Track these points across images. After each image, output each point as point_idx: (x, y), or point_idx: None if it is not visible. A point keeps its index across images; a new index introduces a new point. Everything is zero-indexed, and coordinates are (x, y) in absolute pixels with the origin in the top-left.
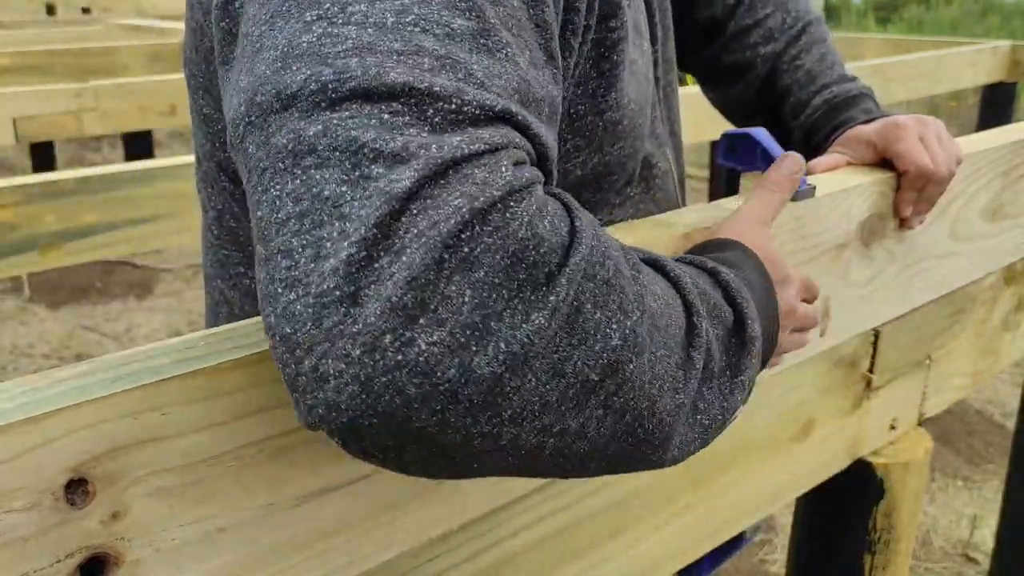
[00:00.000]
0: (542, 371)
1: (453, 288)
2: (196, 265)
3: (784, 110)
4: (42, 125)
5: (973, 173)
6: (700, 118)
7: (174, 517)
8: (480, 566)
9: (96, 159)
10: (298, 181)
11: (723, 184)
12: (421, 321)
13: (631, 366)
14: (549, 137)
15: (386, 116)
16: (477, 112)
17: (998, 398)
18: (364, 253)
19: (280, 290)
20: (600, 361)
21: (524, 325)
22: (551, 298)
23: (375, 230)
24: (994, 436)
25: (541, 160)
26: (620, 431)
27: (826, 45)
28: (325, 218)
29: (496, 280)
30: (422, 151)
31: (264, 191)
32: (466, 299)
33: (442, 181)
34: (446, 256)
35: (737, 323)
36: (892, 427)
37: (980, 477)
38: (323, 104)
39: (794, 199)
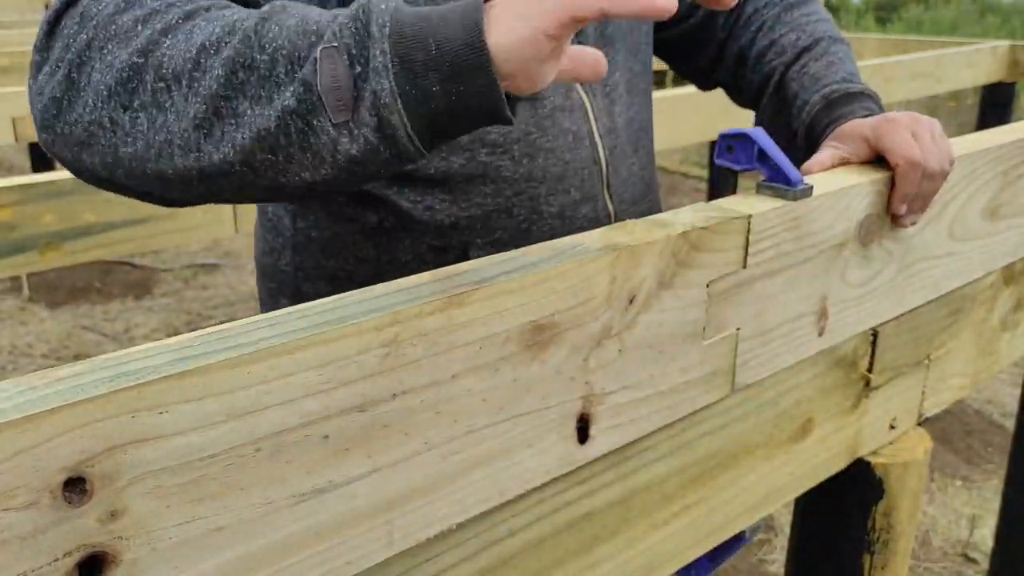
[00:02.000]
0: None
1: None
2: (195, 265)
3: (791, 114)
4: None
5: (971, 173)
6: (700, 119)
7: (172, 516)
8: (479, 566)
9: None
10: None
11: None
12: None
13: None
14: None
15: None
16: None
17: (997, 398)
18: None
19: None
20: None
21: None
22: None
23: None
24: (993, 436)
25: None
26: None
27: (837, 56)
28: None
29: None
30: None
31: None
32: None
33: None
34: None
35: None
36: (891, 427)
37: (979, 477)
38: None
39: (792, 199)
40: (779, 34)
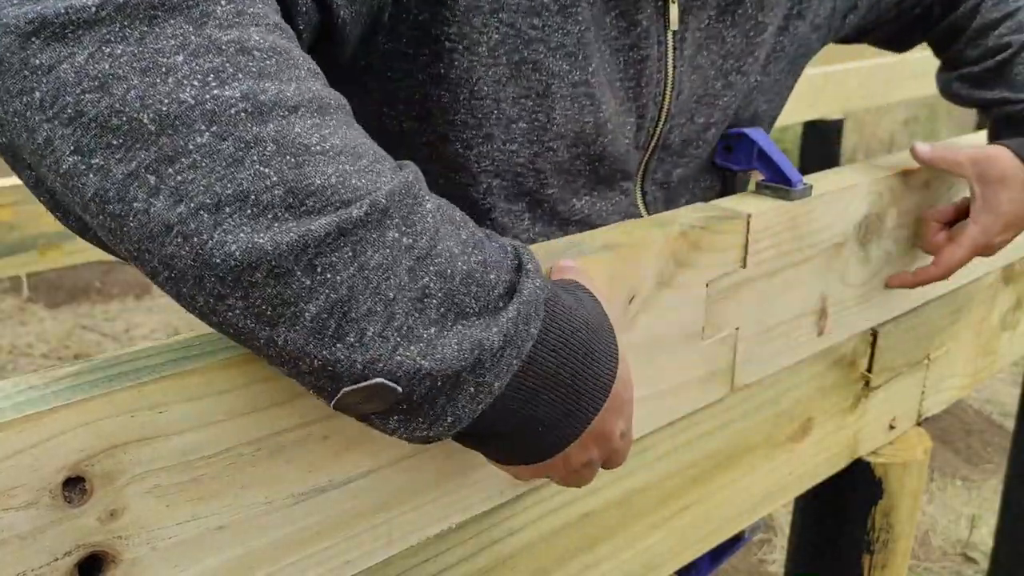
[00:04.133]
0: (81, 68)
1: None
2: None
3: (1000, 101)
4: None
5: None
6: None
7: (171, 515)
8: (478, 565)
9: None
10: None
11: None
12: None
13: (199, 139)
14: None
15: None
16: None
17: (997, 398)
18: None
19: None
20: (159, 106)
21: (64, 2)
22: None
23: None
24: (993, 436)
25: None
26: (172, 223)
27: None
28: None
29: None
30: None
31: None
32: None
33: None
34: None
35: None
36: (891, 427)
37: (979, 477)
38: None
39: (792, 199)
40: (1016, 6)
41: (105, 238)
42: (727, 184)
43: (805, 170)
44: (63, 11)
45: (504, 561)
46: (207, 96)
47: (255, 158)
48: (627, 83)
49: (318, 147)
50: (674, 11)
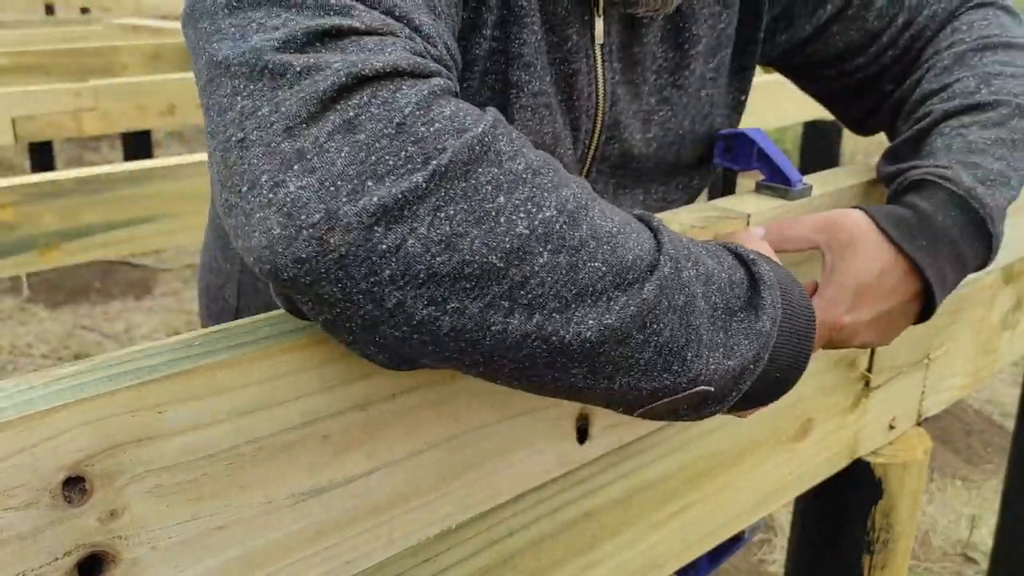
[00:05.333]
0: (426, 237)
1: (332, 144)
2: (195, 265)
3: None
4: (41, 125)
5: None
6: None
7: (172, 515)
8: (478, 565)
9: (95, 159)
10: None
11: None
12: (295, 167)
13: (541, 259)
14: (452, 44)
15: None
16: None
17: (997, 398)
18: (251, 104)
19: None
20: (502, 245)
21: (400, 183)
22: (432, 163)
23: (262, 83)
24: (993, 436)
25: (448, 71)
26: (530, 331)
27: (1016, 132)
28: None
29: (377, 145)
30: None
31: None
32: (343, 154)
33: (329, 43)
34: (325, 112)
35: (740, 284)
36: (891, 427)
37: (979, 477)
38: None
39: (791, 198)
40: (955, 78)
41: (442, 360)
42: (728, 186)
43: (805, 170)
44: (400, 195)
45: (504, 561)
46: (536, 222)
47: (585, 258)
48: (560, 96)
49: (614, 229)
50: (599, 25)
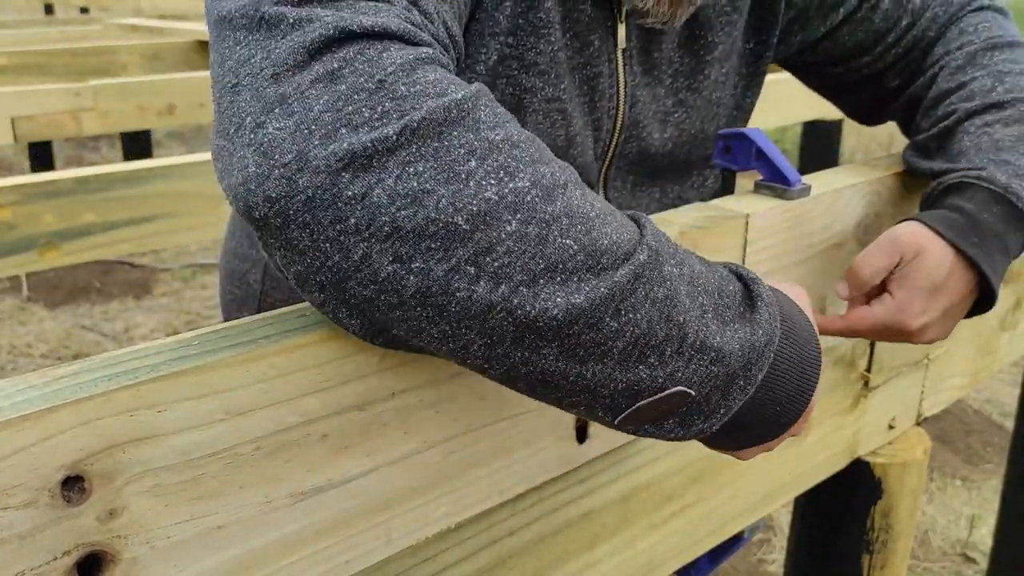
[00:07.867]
0: (392, 189)
1: (312, 91)
2: (194, 265)
3: (939, 172)
4: (40, 124)
5: None
6: None
7: (171, 515)
8: (478, 565)
9: (94, 159)
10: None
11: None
12: (276, 111)
13: (508, 227)
14: (454, 29)
15: None
16: None
17: (996, 398)
18: (247, 52)
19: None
20: (469, 207)
21: (371, 134)
22: (405, 119)
23: (259, 33)
24: (992, 436)
25: (444, 49)
26: (495, 301)
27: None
28: None
29: (356, 96)
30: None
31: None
32: (321, 101)
33: (326, 0)
34: (312, 62)
35: (735, 295)
36: (890, 427)
37: (978, 477)
38: None
39: (790, 198)
40: (970, 77)
41: (410, 329)
42: (727, 186)
43: (804, 170)
44: (369, 143)
45: (504, 561)
46: (506, 190)
47: (556, 233)
48: (583, 98)
49: (593, 213)
50: (622, 31)
